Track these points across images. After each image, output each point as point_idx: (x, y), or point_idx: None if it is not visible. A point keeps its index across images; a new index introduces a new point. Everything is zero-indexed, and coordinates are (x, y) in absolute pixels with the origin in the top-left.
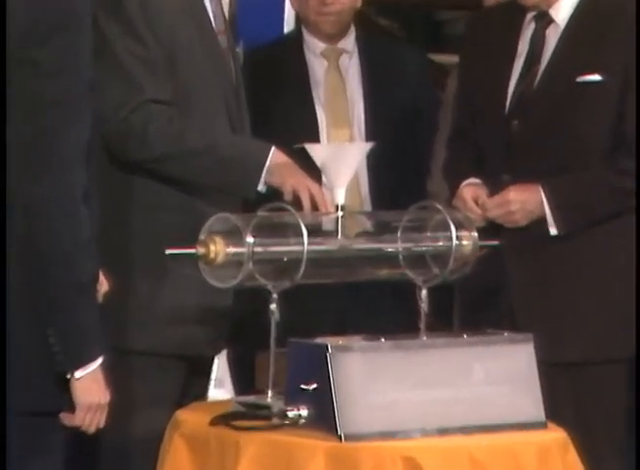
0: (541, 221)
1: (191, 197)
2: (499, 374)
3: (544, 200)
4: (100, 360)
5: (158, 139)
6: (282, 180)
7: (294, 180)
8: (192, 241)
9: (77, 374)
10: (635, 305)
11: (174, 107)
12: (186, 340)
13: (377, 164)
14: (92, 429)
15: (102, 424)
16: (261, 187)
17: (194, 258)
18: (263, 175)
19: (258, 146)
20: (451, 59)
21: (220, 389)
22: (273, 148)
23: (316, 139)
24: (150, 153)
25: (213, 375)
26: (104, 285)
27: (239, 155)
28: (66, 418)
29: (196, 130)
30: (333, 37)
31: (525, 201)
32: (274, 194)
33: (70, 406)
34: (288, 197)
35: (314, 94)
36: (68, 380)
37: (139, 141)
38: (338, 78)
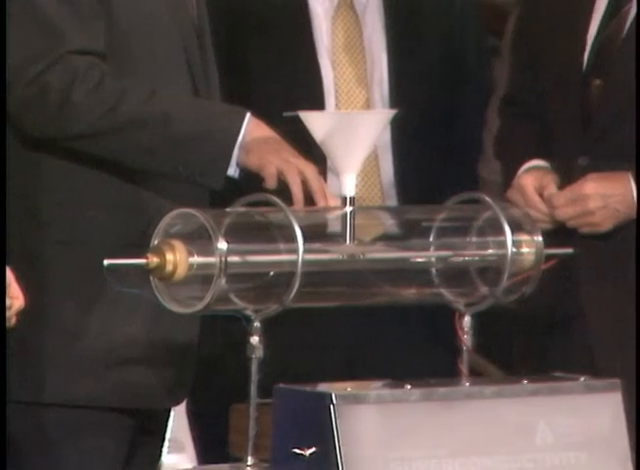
0: (631, 225)
1: (137, 187)
2: (574, 435)
3: (635, 194)
4: None
5: (85, 106)
6: (261, 161)
7: (278, 160)
8: (140, 248)
9: None
10: None
11: (109, 61)
12: (131, 388)
13: (404, 139)
14: None
15: None
16: (233, 171)
17: (143, 270)
18: (235, 154)
19: (228, 113)
20: None
21: (178, 453)
22: (248, 115)
23: (320, 105)
24: (74, 125)
25: (169, 435)
26: (18, 300)
27: (200, 126)
28: None
29: (139, 92)
30: None
31: (609, 195)
32: (253, 182)
33: None
34: (270, 184)
35: (318, 42)
36: None
37: (58, 109)
38: (351, 20)
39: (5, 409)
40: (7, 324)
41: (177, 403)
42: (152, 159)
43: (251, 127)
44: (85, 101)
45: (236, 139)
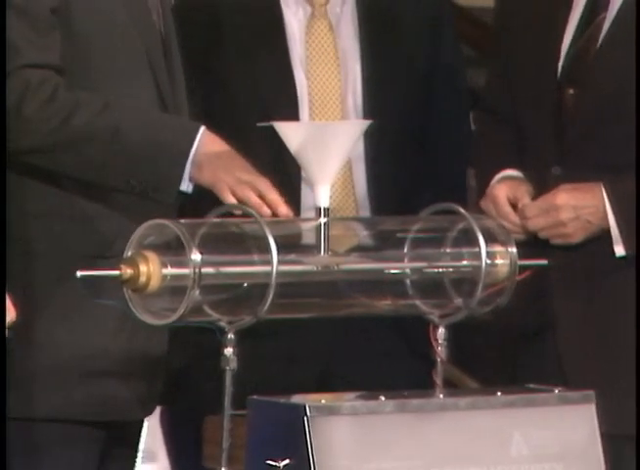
0: (603, 237)
1: (103, 197)
2: (548, 447)
3: (608, 205)
4: None
5: (36, 120)
6: (213, 178)
7: (230, 178)
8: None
9: None
10: None
11: (69, 70)
12: (102, 400)
13: (378, 150)
14: None
15: None
16: (186, 186)
17: (117, 282)
18: (187, 169)
19: (181, 127)
20: (485, 1)
21: (152, 463)
22: (202, 129)
23: (294, 116)
24: (25, 139)
25: (142, 445)
26: (9, 313)
27: (152, 141)
28: None
29: (92, 105)
30: None
31: (581, 207)
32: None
33: None
34: (226, 201)
35: (292, 53)
36: None
37: (10, 123)
38: (325, 30)
39: (5, 414)
40: None
41: (148, 414)
42: (104, 173)
43: (205, 142)
44: (36, 115)
45: (187, 154)
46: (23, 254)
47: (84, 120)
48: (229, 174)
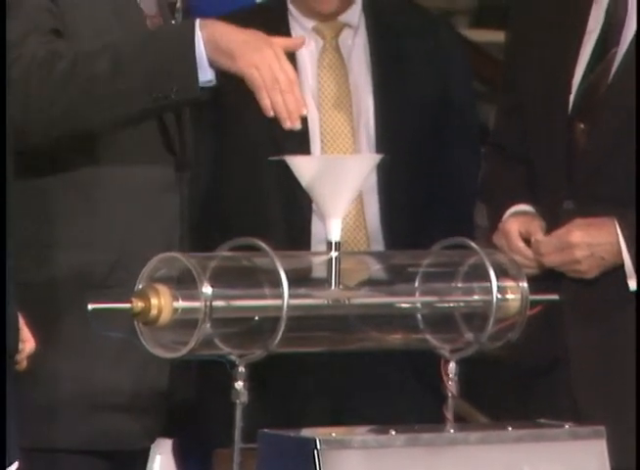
0: (615, 271)
1: (102, 225)
2: None
3: (622, 241)
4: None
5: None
6: (237, 59)
7: (258, 55)
8: (122, 291)
9: None
10: None
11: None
12: (106, 430)
13: (390, 183)
14: None
15: None
16: (208, 75)
17: (129, 315)
18: (200, 51)
19: (176, 25)
20: (496, 37)
21: None
22: (198, 20)
23: (305, 150)
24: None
25: None
26: (29, 343)
27: (153, 43)
28: None
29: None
30: (330, 15)
31: (596, 244)
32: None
33: None
34: (253, 84)
35: (303, 85)
36: None
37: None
38: (337, 63)
39: (5, 450)
40: (18, 367)
41: (150, 443)
42: (122, 98)
43: (207, 23)
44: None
45: (192, 36)
46: (27, 284)
47: (82, 65)
48: (257, 51)
